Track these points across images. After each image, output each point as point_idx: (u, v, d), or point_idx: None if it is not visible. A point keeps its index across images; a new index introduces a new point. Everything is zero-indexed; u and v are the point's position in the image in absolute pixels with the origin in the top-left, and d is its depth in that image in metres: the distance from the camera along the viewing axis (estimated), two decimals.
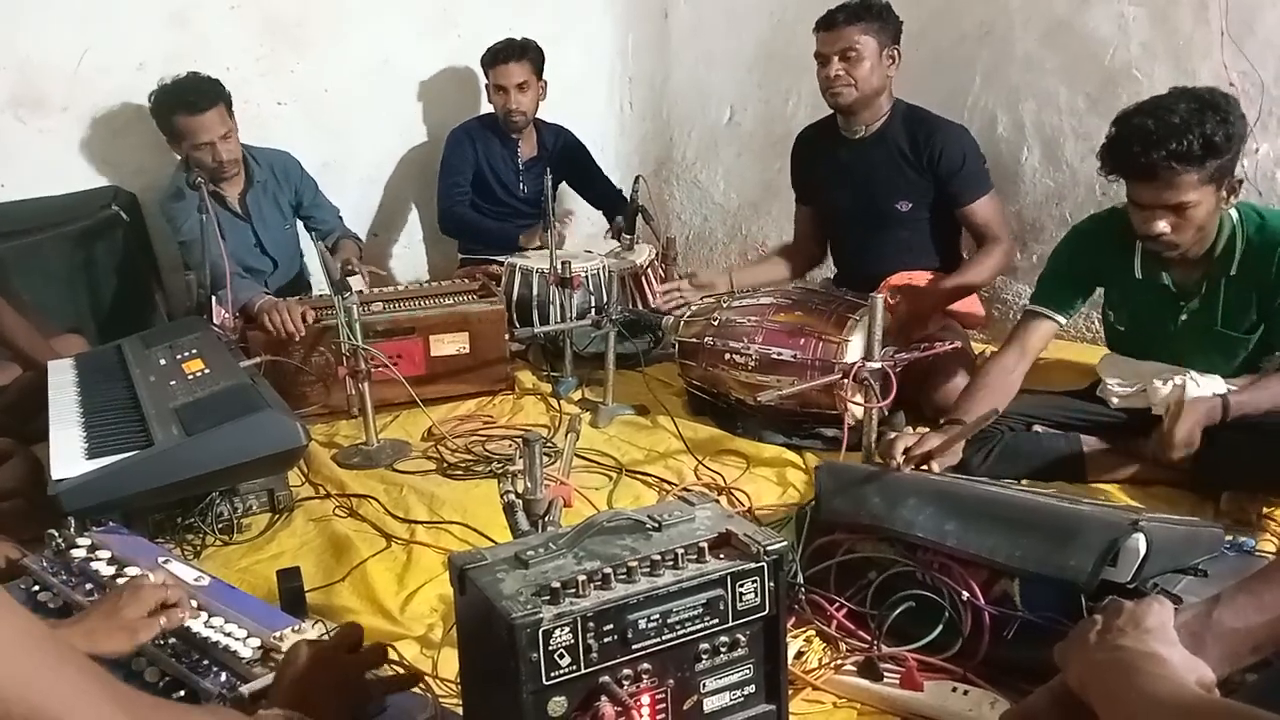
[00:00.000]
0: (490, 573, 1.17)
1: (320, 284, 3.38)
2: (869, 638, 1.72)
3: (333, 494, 2.43)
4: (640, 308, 3.31)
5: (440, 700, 1.34)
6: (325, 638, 1.37)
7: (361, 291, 3.06)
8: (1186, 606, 1.15)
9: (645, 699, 1.18)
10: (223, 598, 1.55)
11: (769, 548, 1.21)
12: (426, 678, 1.37)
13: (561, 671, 1.11)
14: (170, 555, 1.75)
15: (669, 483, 2.47)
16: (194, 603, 1.48)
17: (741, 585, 1.21)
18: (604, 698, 1.14)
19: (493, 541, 2.09)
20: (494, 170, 3.88)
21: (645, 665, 1.17)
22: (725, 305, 2.85)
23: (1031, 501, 1.83)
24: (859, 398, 2.25)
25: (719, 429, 2.74)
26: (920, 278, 2.92)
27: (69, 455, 2.07)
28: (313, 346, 2.90)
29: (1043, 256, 2.85)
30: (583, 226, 4.25)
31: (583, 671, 1.13)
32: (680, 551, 1.20)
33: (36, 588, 1.58)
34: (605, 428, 2.82)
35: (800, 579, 1.83)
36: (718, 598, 1.19)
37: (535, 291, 3.32)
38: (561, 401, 3.01)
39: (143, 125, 3.38)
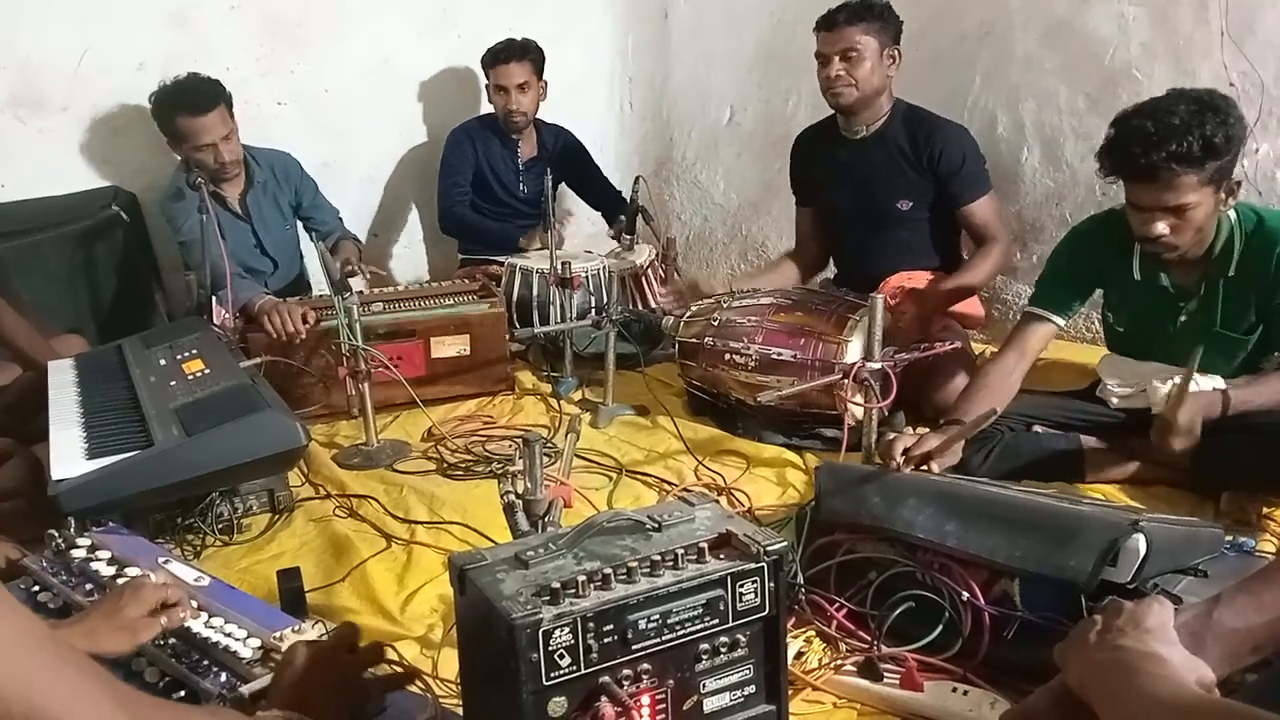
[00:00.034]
0: (490, 573, 1.17)
1: (320, 284, 3.37)
2: (869, 638, 1.72)
3: (333, 494, 2.43)
4: (640, 308, 3.31)
5: (440, 700, 1.34)
6: (323, 638, 1.37)
7: (361, 292, 3.07)
8: (1186, 607, 1.15)
9: (645, 699, 1.18)
10: (223, 598, 1.55)
11: (769, 548, 1.22)
12: (425, 677, 1.37)
13: (561, 672, 1.11)
14: (170, 555, 1.75)
15: (669, 483, 2.47)
16: (194, 603, 1.48)
17: (741, 585, 1.21)
18: (604, 698, 1.14)
19: (493, 542, 2.09)
20: (494, 170, 3.88)
21: (645, 665, 1.17)
22: (725, 305, 2.85)
23: (1031, 502, 1.83)
24: (859, 398, 2.25)
25: (719, 429, 2.74)
26: (920, 278, 2.92)
27: (69, 455, 2.07)
28: (313, 348, 2.89)
29: (1042, 257, 2.85)
30: (583, 227, 4.25)
31: (583, 672, 1.13)
32: (680, 552, 1.20)
33: (36, 588, 1.58)
34: (605, 428, 2.82)
35: (800, 579, 1.83)
36: (718, 598, 1.19)
37: (535, 292, 3.32)
38: (561, 402, 3.01)
39: (143, 125, 3.38)
